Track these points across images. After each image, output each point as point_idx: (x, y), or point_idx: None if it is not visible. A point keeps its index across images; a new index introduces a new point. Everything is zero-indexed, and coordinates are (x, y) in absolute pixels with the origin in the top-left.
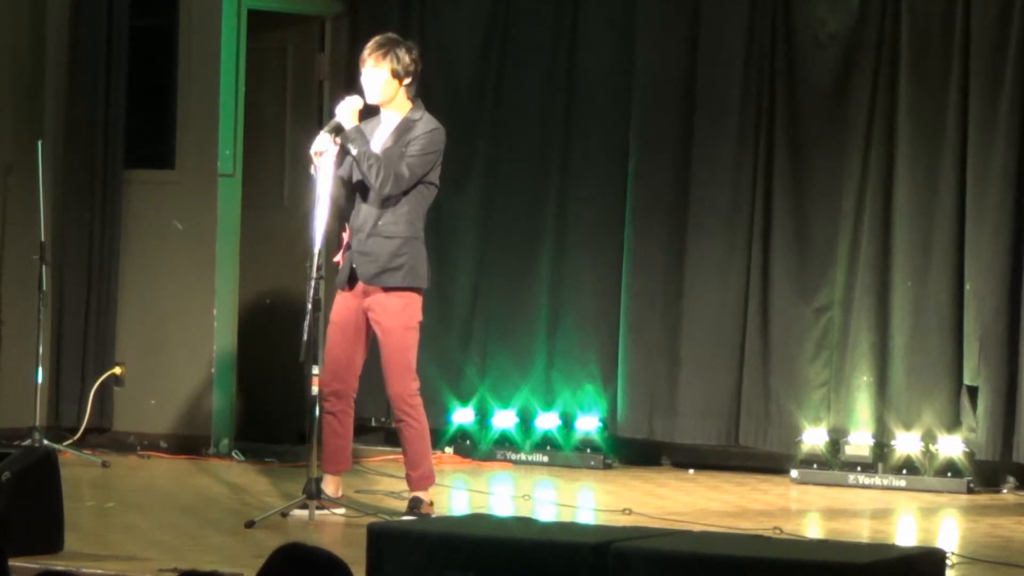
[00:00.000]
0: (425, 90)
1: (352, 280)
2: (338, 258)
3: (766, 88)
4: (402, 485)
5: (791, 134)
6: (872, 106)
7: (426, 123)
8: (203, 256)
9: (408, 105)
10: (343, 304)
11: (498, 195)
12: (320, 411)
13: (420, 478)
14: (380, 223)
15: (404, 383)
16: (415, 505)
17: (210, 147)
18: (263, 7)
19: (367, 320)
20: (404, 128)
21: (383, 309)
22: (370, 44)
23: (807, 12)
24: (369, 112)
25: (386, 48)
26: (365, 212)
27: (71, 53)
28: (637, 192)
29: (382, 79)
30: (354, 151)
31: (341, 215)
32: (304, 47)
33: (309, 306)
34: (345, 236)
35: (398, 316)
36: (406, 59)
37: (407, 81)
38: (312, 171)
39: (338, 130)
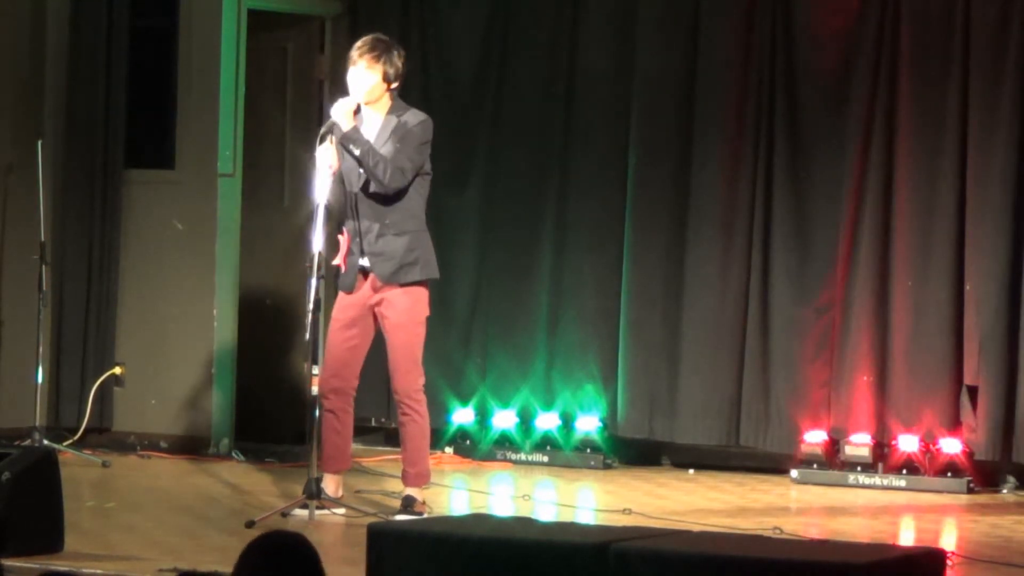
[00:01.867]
0: (425, 90)
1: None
2: (338, 261)
3: (766, 88)
4: (401, 485)
5: (791, 134)
6: (872, 106)
7: (415, 115)
8: (203, 256)
9: (389, 101)
10: (348, 302)
11: (498, 195)
12: (320, 409)
13: (417, 475)
14: (388, 221)
15: (411, 377)
16: (408, 504)
17: (210, 147)
18: (263, 7)
19: (374, 318)
20: (395, 121)
21: (394, 305)
22: (362, 44)
23: (807, 12)
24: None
25: (379, 51)
26: (368, 214)
27: (71, 53)
28: (637, 192)
29: (373, 81)
30: (357, 151)
31: (337, 217)
32: (304, 47)
33: (309, 306)
34: (343, 239)
35: (409, 311)
36: (398, 63)
37: (395, 85)
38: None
39: (334, 131)
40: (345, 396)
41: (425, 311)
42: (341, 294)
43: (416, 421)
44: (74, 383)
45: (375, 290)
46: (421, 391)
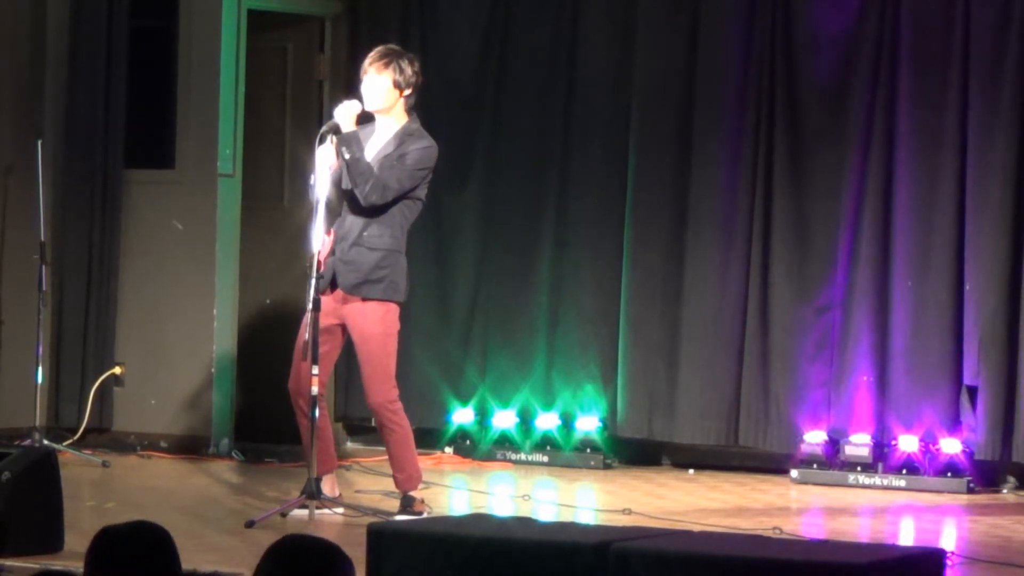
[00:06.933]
0: (425, 90)
1: (332, 285)
2: (317, 250)
3: (766, 88)
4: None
5: (791, 134)
6: (872, 106)
7: (421, 139)
8: (203, 256)
9: (404, 116)
10: (322, 308)
11: (498, 195)
12: (297, 413)
13: (407, 479)
14: (365, 234)
15: (385, 391)
16: (407, 503)
17: (210, 147)
18: (263, 7)
19: (342, 327)
20: (401, 139)
21: (362, 316)
22: (373, 53)
23: (807, 12)
24: (366, 118)
25: (389, 58)
26: (351, 221)
27: (71, 53)
28: (637, 192)
29: (384, 88)
30: (347, 156)
31: (332, 217)
32: (304, 47)
33: (309, 306)
34: (328, 239)
35: (378, 323)
36: (408, 71)
37: (407, 92)
38: (312, 179)
39: (335, 131)
40: (319, 400)
41: (396, 324)
42: None
43: (396, 432)
44: (74, 383)
45: (344, 300)
46: (397, 401)
